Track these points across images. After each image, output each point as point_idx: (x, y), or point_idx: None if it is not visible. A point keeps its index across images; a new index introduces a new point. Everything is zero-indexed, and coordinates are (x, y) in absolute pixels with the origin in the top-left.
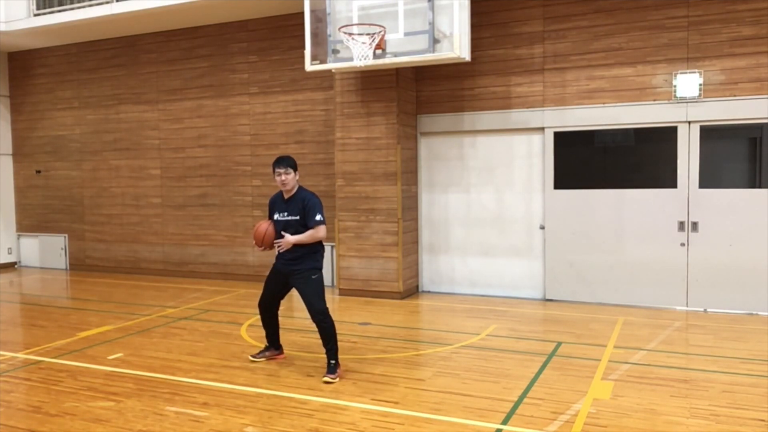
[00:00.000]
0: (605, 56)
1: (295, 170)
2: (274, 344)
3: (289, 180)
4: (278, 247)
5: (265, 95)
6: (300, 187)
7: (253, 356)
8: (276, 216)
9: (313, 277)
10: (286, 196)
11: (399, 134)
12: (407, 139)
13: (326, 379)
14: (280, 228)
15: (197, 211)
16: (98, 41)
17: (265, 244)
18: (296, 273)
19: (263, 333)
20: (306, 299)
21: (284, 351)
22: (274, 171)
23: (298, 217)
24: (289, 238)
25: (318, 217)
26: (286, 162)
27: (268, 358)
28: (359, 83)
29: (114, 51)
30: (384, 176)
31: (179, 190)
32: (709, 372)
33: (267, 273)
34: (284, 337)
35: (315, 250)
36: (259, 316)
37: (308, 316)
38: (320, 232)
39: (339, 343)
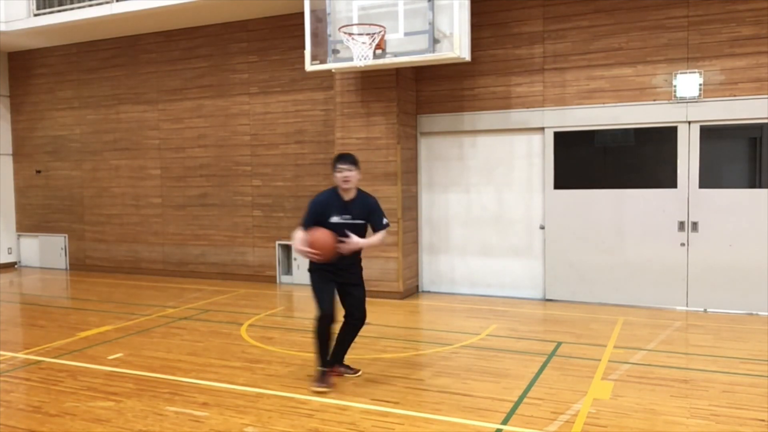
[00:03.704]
0: (605, 56)
1: (359, 169)
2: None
3: (352, 177)
4: (341, 248)
5: (265, 95)
6: (359, 188)
7: (322, 386)
8: (334, 219)
9: (362, 279)
10: (346, 197)
11: (399, 134)
12: (407, 139)
13: (359, 372)
14: (341, 230)
15: (197, 211)
16: (98, 41)
17: (329, 252)
18: (351, 275)
19: (263, 334)
20: (359, 301)
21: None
22: (335, 167)
23: (362, 222)
24: (359, 241)
25: (385, 221)
26: (351, 159)
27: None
28: (359, 83)
29: (114, 51)
30: (384, 176)
31: (179, 190)
32: (709, 372)
33: (266, 273)
34: (284, 337)
35: (360, 253)
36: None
37: (307, 316)
38: (388, 237)
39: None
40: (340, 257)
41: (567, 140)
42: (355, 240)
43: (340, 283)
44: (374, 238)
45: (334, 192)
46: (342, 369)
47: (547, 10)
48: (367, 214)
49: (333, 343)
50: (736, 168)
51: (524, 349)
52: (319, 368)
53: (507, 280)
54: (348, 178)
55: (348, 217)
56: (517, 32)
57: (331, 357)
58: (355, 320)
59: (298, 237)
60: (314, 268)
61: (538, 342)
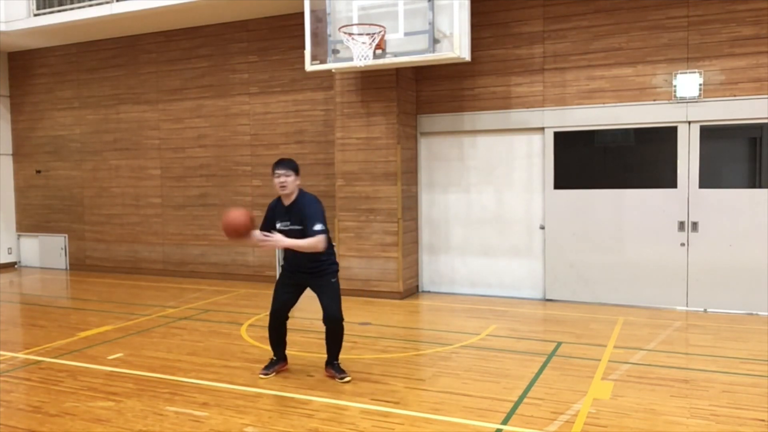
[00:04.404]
0: (605, 56)
1: (297, 174)
2: (283, 356)
3: (288, 183)
4: (262, 243)
5: (265, 95)
6: (301, 192)
7: (264, 374)
8: (278, 225)
9: (333, 281)
10: (286, 202)
11: (399, 134)
12: (407, 139)
13: (348, 378)
14: (287, 237)
15: (197, 211)
16: (98, 41)
17: (238, 235)
18: (312, 278)
19: (263, 334)
20: (324, 303)
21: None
22: (273, 173)
23: (300, 227)
24: (282, 239)
25: (318, 227)
26: (286, 164)
27: (278, 372)
28: (359, 83)
29: (114, 51)
30: (384, 176)
31: (179, 190)
32: (709, 372)
33: (266, 273)
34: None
35: (330, 252)
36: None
37: (307, 316)
38: (320, 243)
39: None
40: (295, 260)
41: (567, 140)
42: (277, 237)
43: (302, 284)
44: (301, 241)
45: (279, 197)
46: (332, 372)
47: (547, 10)
48: (301, 219)
49: (281, 337)
50: (736, 168)
51: (524, 349)
52: (271, 357)
53: (507, 280)
54: (284, 184)
55: (287, 223)
56: (517, 32)
57: (327, 357)
58: (326, 324)
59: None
60: (282, 267)
61: (538, 342)
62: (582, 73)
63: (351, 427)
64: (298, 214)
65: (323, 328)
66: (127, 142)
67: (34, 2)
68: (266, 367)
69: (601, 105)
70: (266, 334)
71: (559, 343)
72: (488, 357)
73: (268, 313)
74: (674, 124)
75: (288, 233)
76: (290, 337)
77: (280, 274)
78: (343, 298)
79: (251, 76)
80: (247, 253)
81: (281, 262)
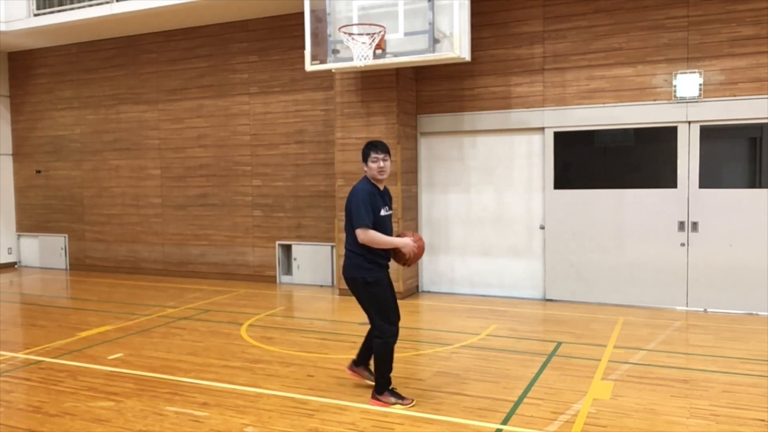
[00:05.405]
0: (605, 56)
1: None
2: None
3: (388, 167)
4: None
5: (265, 95)
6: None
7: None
8: (382, 212)
9: None
10: (381, 187)
11: (399, 134)
12: (407, 139)
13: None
14: (388, 224)
15: (197, 211)
16: (98, 41)
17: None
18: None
19: (263, 334)
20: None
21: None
22: (370, 156)
23: (391, 211)
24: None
25: None
26: (385, 147)
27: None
28: (359, 83)
29: (114, 51)
30: None
31: (179, 190)
32: (709, 372)
33: (266, 273)
34: (284, 337)
35: None
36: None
37: (307, 316)
38: None
39: (339, 344)
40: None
41: (567, 140)
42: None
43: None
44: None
45: (369, 182)
46: (367, 373)
47: (547, 10)
48: (390, 203)
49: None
50: (736, 168)
51: (524, 349)
52: (392, 388)
53: (507, 280)
54: (384, 169)
55: (387, 208)
56: (517, 32)
57: (359, 358)
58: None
59: (397, 241)
60: (377, 279)
61: (538, 342)
62: (582, 73)
63: (351, 427)
64: (390, 198)
65: (324, 328)
66: (127, 142)
67: (34, 2)
68: (401, 397)
69: (601, 105)
70: (266, 333)
71: (559, 343)
72: (488, 357)
73: (268, 313)
74: (674, 124)
75: (387, 218)
76: (289, 336)
77: (384, 285)
78: (343, 297)
79: (251, 76)
80: (247, 253)
81: (379, 263)
